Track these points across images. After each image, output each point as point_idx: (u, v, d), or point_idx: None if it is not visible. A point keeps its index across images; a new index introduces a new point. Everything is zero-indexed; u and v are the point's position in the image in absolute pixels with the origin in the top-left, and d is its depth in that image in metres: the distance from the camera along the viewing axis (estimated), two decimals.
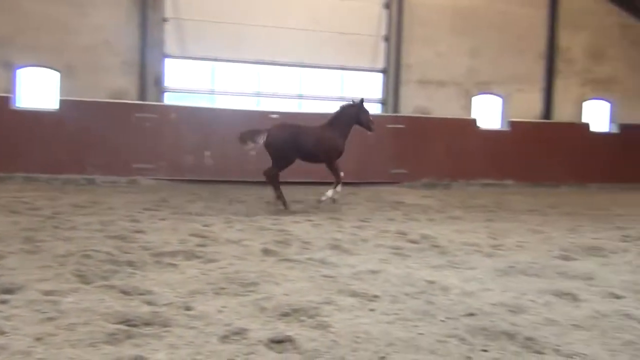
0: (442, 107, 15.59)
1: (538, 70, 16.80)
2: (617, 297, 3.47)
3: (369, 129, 9.24)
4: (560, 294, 3.48)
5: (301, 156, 8.75)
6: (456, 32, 15.84)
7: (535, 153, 15.85)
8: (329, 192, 8.56)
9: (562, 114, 16.98)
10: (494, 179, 15.55)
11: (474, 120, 15.57)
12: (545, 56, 16.83)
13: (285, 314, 3.00)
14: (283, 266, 4.28)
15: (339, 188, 8.61)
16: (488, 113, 16.46)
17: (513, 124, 15.94)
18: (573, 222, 7.74)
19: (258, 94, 14.68)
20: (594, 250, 5.22)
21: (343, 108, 9.16)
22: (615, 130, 17.22)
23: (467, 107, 15.70)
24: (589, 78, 17.29)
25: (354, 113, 9.05)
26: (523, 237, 6.15)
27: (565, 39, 16.95)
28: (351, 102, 9.22)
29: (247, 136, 8.48)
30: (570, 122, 16.92)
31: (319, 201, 8.65)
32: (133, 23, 13.14)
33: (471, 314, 3.00)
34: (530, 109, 16.72)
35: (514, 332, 2.68)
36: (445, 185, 14.87)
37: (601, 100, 17.67)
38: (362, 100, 9.25)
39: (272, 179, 8.56)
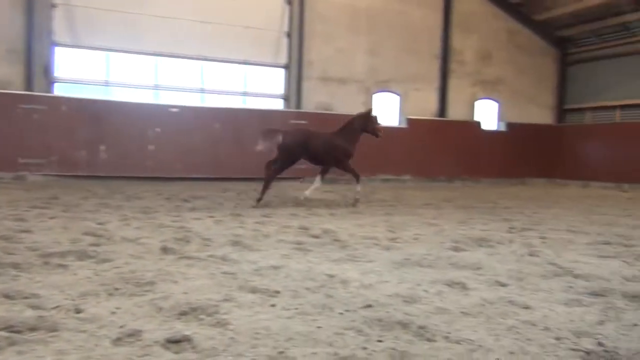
0: (344, 103, 15.89)
1: (434, 70, 17.57)
2: (502, 285, 3.70)
3: (376, 135, 10.09)
4: (451, 284, 3.66)
5: (310, 158, 9.60)
6: (356, 31, 16.20)
7: (431, 149, 16.59)
8: (358, 188, 9.64)
9: (456, 112, 17.88)
10: (393, 175, 16.09)
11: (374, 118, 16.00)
12: (440, 57, 17.63)
13: (183, 313, 2.93)
14: (182, 264, 4.17)
15: (358, 187, 9.67)
16: (387, 110, 16.98)
17: (410, 121, 16.57)
18: (465, 215, 8.17)
19: (156, 87, 14.21)
20: (482, 242, 5.54)
21: (354, 117, 10.10)
22: (503, 128, 18.38)
23: (368, 104, 16.09)
24: (479, 79, 18.34)
25: (362, 122, 9.93)
26: (419, 230, 6.40)
27: (458, 41, 17.84)
28: (361, 112, 10.31)
29: (267, 135, 9.03)
30: (463, 120, 17.85)
31: (355, 200, 9.53)
32: (18, 8, 12.27)
33: (368, 306, 3.08)
34: (426, 107, 17.45)
35: (408, 321, 2.78)
36: (347, 181, 15.18)
37: (490, 100, 18.80)
38: (370, 111, 10.24)
39: (271, 176, 9.02)
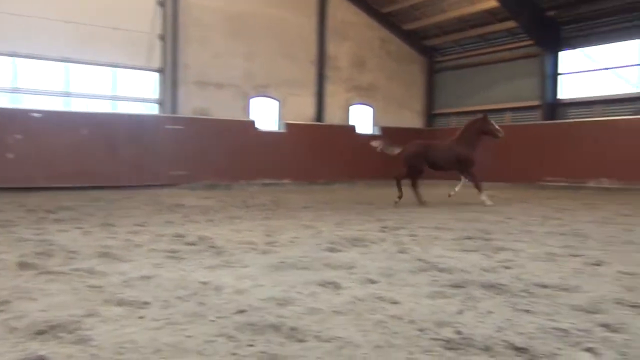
0: (222, 108, 15.72)
1: (310, 75, 17.91)
2: (373, 282, 3.83)
3: (496, 136, 10.89)
4: (324, 284, 3.72)
5: (432, 166, 11.03)
6: (232, 35, 16.11)
7: (310, 153, 16.88)
8: (483, 197, 10.59)
9: (332, 117, 18.35)
10: (273, 179, 16.16)
11: (253, 122, 15.99)
12: (316, 63, 18.02)
13: (40, 332, 2.71)
14: (42, 280, 3.87)
15: (483, 196, 10.59)
16: (266, 115, 17.04)
17: (289, 126, 16.75)
18: (342, 217, 8.38)
19: (15, 90, 13.15)
20: (357, 242, 5.70)
21: (469, 122, 11.07)
22: (377, 132, 19.14)
23: (246, 108, 16.05)
24: (354, 85, 18.99)
25: (479, 125, 10.88)
26: (297, 233, 6.46)
27: (333, 47, 18.35)
28: (476, 117, 11.28)
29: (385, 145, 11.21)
30: (340, 124, 18.37)
31: (484, 205, 10.33)
32: None
33: (241, 311, 3.04)
34: (304, 111, 17.75)
35: (280, 324, 2.79)
36: (226, 186, 15.00)
37: (365, 105, 19.52)
38: (485, 115, 11.10)
39: (413, 185, 11.18)
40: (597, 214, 9.04)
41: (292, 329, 2.72)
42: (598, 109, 16.77)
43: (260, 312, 3.02)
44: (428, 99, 21.46)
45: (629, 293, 3.55)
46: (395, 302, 3.27)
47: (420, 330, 2.72)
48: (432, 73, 21.47)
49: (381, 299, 3.35)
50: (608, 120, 15.65)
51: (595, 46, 17.10)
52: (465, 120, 20.71)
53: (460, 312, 3.05)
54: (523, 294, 3.49)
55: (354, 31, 18.91)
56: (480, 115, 11.25)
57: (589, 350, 2.45)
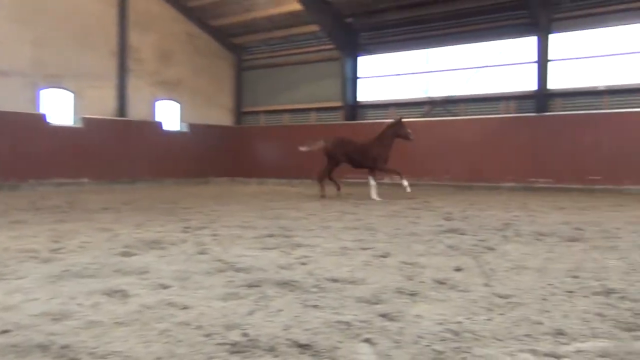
0: (6, 99, 14.03)
1: (111, 67, 16.83)
2: (165, 287, 3.65)
3: (408, 139, 12.08)
4: (111, 293, 3.45)
5: (349, 162, 12.30)
6: (16, 20, 14.43)
7: (112, 150, 15.87)
8: (405, 182, 11.77)
9: (136, 112, 17.46)
10: (69, 178, 14.88)
11: (43, 115, 14.55)
12: (117, 54, 16.96)
13: None
14: None
15: (405, 182, 11.78)
16: (60, 108, 15.62)
17: (87, 121, 15.56)
18: (143, 217, 7.97)
19: None
20: (155, 244, 5.43)
21: (387, 125, 12.21)
22: (185, 129, 18.67)
23: (35, 100, 14.53)
24: (159, 79, 18.27)
25: (395, 128, 12.00)
26: (89, 237, 5.97)
27: (135, 39, 17.45)
28: (393, 121, 12.36)
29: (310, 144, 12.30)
30: (144, 120, 17.54)
31: (406, 192, 11.82)
32: None
33: (4, 332, 2.67)
34: (105, 106, 16.62)
35: (50, 342, 2.49)
36: (12, 186, 13.46)
37: (172, 101, 18.90)
38: (401, 119, 12.30)
39: (323, 175, 12.51)
40: (390, 208, 9.81)
41: (64, 347, 2.44)
42: (393, 111, 18.27)
43: (28, 331, 2.68)
44: (237, 97, 21.49)
45: (409, 282, 3.85)
46: (185, 308, 3.13)
47: (207, 335, 2.63)
48: (240, 71, 21.54)
49: (171, 305, 3.19)
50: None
51: (389, 53, 18.61)
52: (270, 119, 21.30)
53: (251, 313, 3.02)
54: (314, 289, 3.59)
55: (159, 23, 18.18)
56: (397, 119, 12.33)
57: (367, 341, 2.57)
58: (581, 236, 6.16)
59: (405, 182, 11.80)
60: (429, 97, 17.83)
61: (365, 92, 19.31)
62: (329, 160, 12.33)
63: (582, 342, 2.61)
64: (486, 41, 16.81)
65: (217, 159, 19.34)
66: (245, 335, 2.61)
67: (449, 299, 3.39)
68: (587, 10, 14.83)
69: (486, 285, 3.77)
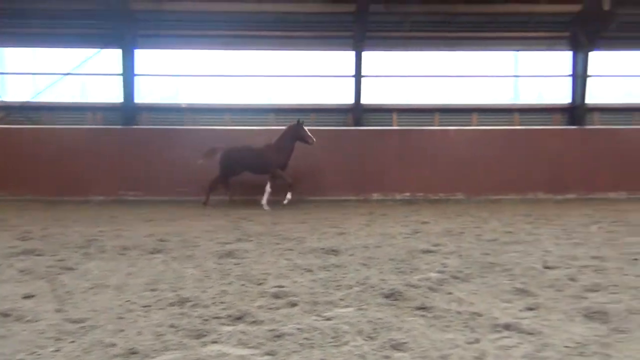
0: None
1: None
2: None
3: (308, 143, 11.66)
4: None
5: (247, 169, 12.03)
6: None
7: None
8: (288, 195, 11.60)
9: None
10: None
11: None
12: None
13: None
14: None
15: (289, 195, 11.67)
16: None
17: None
18: None
19: None
20: None
21: (286, 128, 11.86)
22: None
23: None
24: None
25: (293, 131, 11.69)
26: None
27: None
28: (293, 124, 11.89)
29: (210, 153, 12.08)
30: None
31: (283, 204, 11.44)
32: None
33: None
34: None
35: None
36: None
37: None
38: (300, 121, 11.80)
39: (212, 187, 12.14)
40: None
41: None
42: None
43: None
44: None
45: None
46: None
47: None
48: None
49: None
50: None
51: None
52: None
53: None
54: None
55: None
56: (296, 122, 11.79)
57: None
58: (164, 247, 6.36)
59: (289, 195, 11.69)
60: (3, 102, 15.88)
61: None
62: (222, 171, 12.10)
63: (153, 358, 2.61)
64: (73, 47, 16.00)
65: None
66: None
67: (11, 334, 2.96)
68: (168, 30, 15.68)
69: (59, 310, 3.46)
